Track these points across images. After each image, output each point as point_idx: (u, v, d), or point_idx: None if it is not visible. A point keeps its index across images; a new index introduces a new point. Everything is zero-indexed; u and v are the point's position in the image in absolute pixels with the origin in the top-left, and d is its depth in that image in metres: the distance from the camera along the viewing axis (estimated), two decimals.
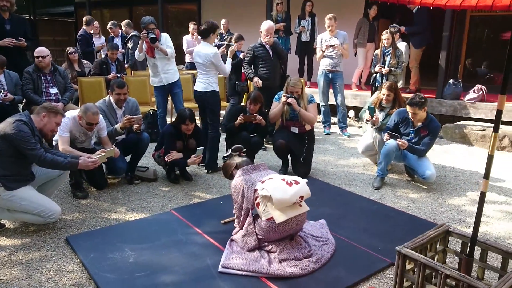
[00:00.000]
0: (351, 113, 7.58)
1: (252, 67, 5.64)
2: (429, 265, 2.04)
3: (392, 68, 5.94)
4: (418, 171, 4.24)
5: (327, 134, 6.62)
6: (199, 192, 4.12)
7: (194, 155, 4.16)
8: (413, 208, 3.82)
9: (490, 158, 2.01)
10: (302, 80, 4.56)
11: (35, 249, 2.94)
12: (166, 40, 5.28)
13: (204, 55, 4.46)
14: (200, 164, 4.77)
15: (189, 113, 4.13)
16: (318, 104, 7.03)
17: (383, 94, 4.61)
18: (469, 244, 2.19)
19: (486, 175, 2.04)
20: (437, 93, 6.89)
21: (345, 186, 4.36)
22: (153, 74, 5.39)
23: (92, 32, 8.26)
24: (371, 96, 6.50)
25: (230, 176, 3.18)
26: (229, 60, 4.78)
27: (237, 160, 3.17)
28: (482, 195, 2.07)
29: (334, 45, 6.20)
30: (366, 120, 4.69)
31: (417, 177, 4.44)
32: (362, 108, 7.41)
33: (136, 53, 5.37)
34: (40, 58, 5.09)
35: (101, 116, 3.86)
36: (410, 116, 4.19)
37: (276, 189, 2.71)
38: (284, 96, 4.33)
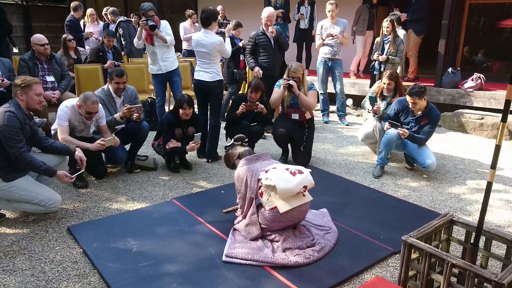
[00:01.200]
0: (350, 102, 7.58)
1: (253, 56, 5.58)
2: (435, 254, 2.05)
3: (390, 57, 5.90)
4: (418, 160, 4.25)
5: (326, 122, 6.61)
6: (200, 181, 4.10)
7: (192, 141, 4.13)
8: (413, 197, 3.84)
9: (497, 148, 2.01)
10: (302, 67, 4.51)
11: (37, 239, 2.93)
12: (165, 28, 5.20)
13: (209, 44, 4.38)
14: (200, 156, 4.75)
15: (187, 98, 4.12)
16: (318, 92, 7.02)
17: (384, 83, 4.60)
18: (474, 233, 2.19)
19: (493, 165, 2.04)
20: (436, 82, 6.87)
21: (345, 175, 4.36)
22: (151, 61, 5.32)
23: (78, 18, 8.09)
24: (370, 84, 6.49)
25: (233, 166, 3.17)
26: (228, 40, 4.73)
27: (239, 149, 3.15)
28: (489, 185, 2.07)
29: (334, 34, 6.14)
30: (368, 109, 4.67)
31: (417, 166, 4.45)
32: (360, 96, 7.44)
33: (135, 40, 5.29)
34: (46, 46, 5.03)
35: (100, 105, 3.81)
36: (410, 106, 4.18)
37: (280, 178, 2.70)
38: (284, 79, 4.31)
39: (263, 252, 2.69)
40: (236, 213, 3.15)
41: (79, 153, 3.31)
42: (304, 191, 2.80)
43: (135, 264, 2.62)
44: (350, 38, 7.89)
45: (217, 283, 2.45)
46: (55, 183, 3.85)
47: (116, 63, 6.17)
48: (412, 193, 3.94)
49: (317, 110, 6.97)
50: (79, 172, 3.40)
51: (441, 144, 5.55)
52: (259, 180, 2.83)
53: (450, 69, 6.70)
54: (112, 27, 8.43)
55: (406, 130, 4.13)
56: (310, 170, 2.87)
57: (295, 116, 4.42)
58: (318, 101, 6.80)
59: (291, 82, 4.27)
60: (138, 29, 5.15)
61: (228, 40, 4.78)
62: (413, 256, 2.21)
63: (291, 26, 8.13)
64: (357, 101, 7.66)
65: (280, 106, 4.55)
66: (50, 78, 5.19)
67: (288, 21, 8.00)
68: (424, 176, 4.37)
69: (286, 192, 2.70)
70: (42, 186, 3.23)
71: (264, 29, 5.45)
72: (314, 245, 2.81)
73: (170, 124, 4.21)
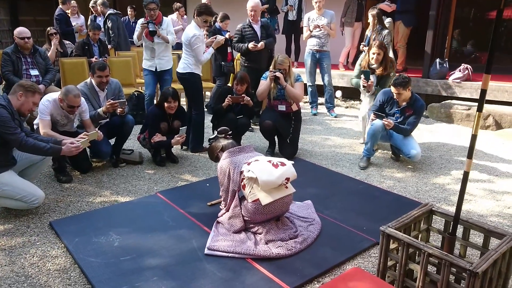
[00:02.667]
0: (338, 93, 7.56)
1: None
2: (413, 244, 2.05)
3: None
4: (404, 150, 4.26)
5: (314, 114, 6.60)
6: (185, 175, 4.09)
7: (177, 135, 4.12)
8: (398, 188, 3.86)
9: (473, 138, 2.01)
10: (288, 58, 4.50)
11: (18, 235, 2.90)
12: (168, 26, 5.10)
13: (185, 35, 4.36)
14: (184, 147, 4.73)
15: (172, 91, 4.09)
16: (306, 84, 7.00)
17: (374, 53, 4.62)
18: (452, 222, 2.21)
19: (470, 155, 2.04)
20: (424, 73, 6.89)
21: (331, 167, 4.37)
22: (147, 57, 5.24)
23: (69, 11, 8.00)
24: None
25: (216, 159, 3.15)
26: (210, 50, 4.62)
27: (222, 142, 3.14)
28: (465, 174, 2.08)
29: (321, 26, 6.11)
30: (363, 86, 4.69)
31: (403, 157, 4.47)
32: (349, 88, 7.42)
33: (135, 38, 5.23)
34: (26, 39, 4.94)
35: (83, 99, 3.77)
36: (395, 97, 4.19)
37: (262, 171, 2.69)
38: (271, 71, 4.30)
39: (246, 244, 2.69)
40: (220, 206, 3.15)
41: (67, 148, 3.25)
42: (287, 183, 2.79)
43: (117, 258, 2.61)
44: (339, 29, 7.88)
45: (198, 276, 2.45)
46: (39, 178, 3.83)
47: (101, 59, 6.04)
48: (397, 183, 3.96)
49: (306, 102, 6.97)
50: (84, 140, 3.39)
51: (428, 135, 5.57)
52: (241, 172, 2.82)
53: (438, 60, 6.71)
54: (100, 20, 8.34)
55: (391, 121, 4.14)
56: (293, 162, 2.87)
57: (282, 107, 4.41)
58: (306, 93, 6.81)
59: (278, 74, 4.26)
60: (138, 28, 5.04)
61: (211, 50, 4.61)
62: (392, 246, 2.22)
63: (280, 18, 8.08)
64: (346, 93, 7.67)
65: (267, 98, 4.54)
66: (34, 72, 5.13)
67: (277, 13, 7.96)
68: (410, 166, 4.39)
69: (268, 184, 2.69)
70: (26, 181, 3.20)
71: (251, 20, 5.42)
72: (296, 236, 2.82)
73: (156, 117, 4.18)
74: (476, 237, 2.91)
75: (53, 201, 3.43)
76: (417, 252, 2.18)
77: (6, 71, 4.92)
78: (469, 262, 1.91)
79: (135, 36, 5.26)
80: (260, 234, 2.80)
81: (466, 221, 2.25)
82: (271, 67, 4.41)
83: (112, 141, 4.28)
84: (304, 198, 3.49)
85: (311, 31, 6.26)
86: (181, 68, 4.46)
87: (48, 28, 6.54)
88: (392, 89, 4.13)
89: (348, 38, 7.65)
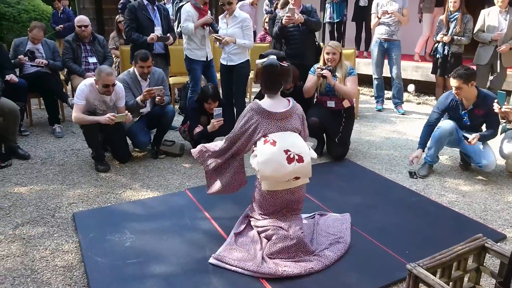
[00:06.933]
0: (411, 87, 6.84)
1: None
2: None
3: (456, 37, 5.13)
4: (474, 158, 3.62)
5: (379, 110, 6.00)
6: None
7: (213, 119, 3.80)
8: (461, 204, 3.27)
9: None
10: (340, 47, 3.95)
11: (41, 224, 2.90)
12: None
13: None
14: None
15: (212, 92, 3.86)
16: (367, 76, 6.39)
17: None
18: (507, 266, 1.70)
19: None
20: None
21: (385, 172, 3.86)
22: (198, 46, 4.67)
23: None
24: (432, 70, 5.75)
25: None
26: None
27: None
28: None
29: (390, 11, 5.47)
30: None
31: (474, 166, 3.81)
32: (424, 82, 6.64)
33: (190, 27, 4.54)
34: (83, 28, 5.06)
35: (120, 85, 3.77)
36: (454, 92, 3.52)
37: (268, 163, 2.34)
38: (318, 68, 3.87)
39: (253, 261, 2.39)
40: None
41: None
42: (295, 180, 2.44)
43: (123, 261, 2.47)
44: (417, 16, 7.10)
45: None
46: (80, 166, 3.88)
47: (158, 35, 5.02)
48: (461, 198, 3.35)
49: (372, 96, 6.38)
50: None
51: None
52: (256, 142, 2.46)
53: None
54: (169, 6, 8.42)
55: (475, 135, 3.45)
56: (315, 156, 2.48)
57: (331, 104, 3.98)
58: (371, 87, 6.22)
59: (325, 72, 3.82)
60: (199, 21, 4.58)
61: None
62: None
63: (350, 3, 7.48)
64: (420, 87, 6.89)
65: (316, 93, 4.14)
66: (93, 60, 5.23)
67: None
68: (480, 178, 3.73)
69: (270, 179, 2.40)
70: None
71: (291, 6, 4.51)
72: (310, 253, 2.45)
73: (195, 111, 4.02)
74: None
75: (84, 191, 3.42)
76: None
77: (67, 58, 5.09)
78: None
79: (190, 25, 4.93)
80: (268, 239, 2.51)
81: None
82: (320, 62, 3.97)
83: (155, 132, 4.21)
84: (343, 207, 3.09)
85: (379, 18, 5.65)
86: (237, 58, 4.22)
87: (117, 16, 6.72)
88: (452, 82, 3.48)
89: (426, 25, 6.85)
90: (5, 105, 3.89)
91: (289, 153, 2.36)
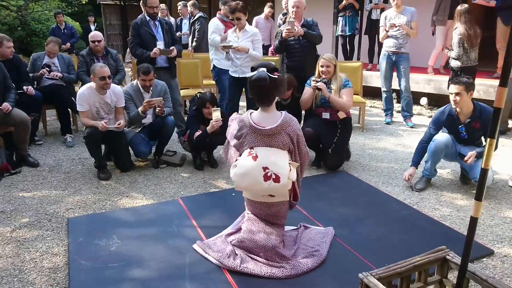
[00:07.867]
0: (424, 101, 6.76)
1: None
2: None
3: (445, 50, 5.06)
4: (470, 173, 3.55)
5: (388, 123, 5.95)
6: (219, 181, 3.95)
7: (212, 120, 3.88)
8: (453, 218, 3.20)
9: None
10: (334, 59, 4.02)
11: (37, 227, 3.06)
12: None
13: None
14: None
15: (210, 96, 4.01)
16: (380, 89, 6.33)
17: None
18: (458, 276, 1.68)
19: None
20: None
21: (381, 185, 3.83)
22: (224, 57, 4.91)
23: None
24: (448, 83, 5.66)
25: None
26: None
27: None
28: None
29: (398, 24, 5.46)
30: None
31: (474, 181, 3.72)
32: (436, 95, 6.55)
33: (216, 39, 4.96)
34: (96, 43, 5.31)
35: (119, 88, 4.05)
36: (452, 99, 3.47)
37: (244, 176, 2.43)
38: (313, 81, 3.92)
39: (232, 259, 2.51)
40: None
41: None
42: (271, 197, 2.51)
43: (105, 264, 2.57)
44: (430, 29, 7.02)
45: None
46: (83, 173, 4.05)
47: (161, 48, 5.04)
48: (455, 213, 3.29)
49: (381, 109, 6.33)
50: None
51: (506, 153, 4.58)
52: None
53: None
54: (185, 22, 8.68)
55: (471, 154, 3.40)
56: (294, 179, 2.49)
57: (326, 115, 4.01)
58: (380, 99, 6.18)
59: (319, 85, 3.86)
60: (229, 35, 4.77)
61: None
62: None
63: (364, 16, 7.50)
64: (433, 100, 6.79)
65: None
66: None
67: (357, 14, 7.38)
68: None
69: (246, 190, 2.51)
70: None
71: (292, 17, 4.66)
72: (285, 260, 2.50)
73: (194, 119, 4.14)
74: None
75: (83, 197, 3.57)
76: None
77: (81, 71, 5.35)
78: None
79: (217, 37, 5.06)
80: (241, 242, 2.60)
81: (482, 278, 1.69)
82: (316, 74, 4.02)
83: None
84: (334, 219, 3.11)
85: (387, 31, 5.64)
86: (249, 70, 4.28)
87: None
88: (452, 88, 3.43)
89: (439, 38, 6.75)
90: (17, 115, 4.14)
91: (267, 170, 2.38)
